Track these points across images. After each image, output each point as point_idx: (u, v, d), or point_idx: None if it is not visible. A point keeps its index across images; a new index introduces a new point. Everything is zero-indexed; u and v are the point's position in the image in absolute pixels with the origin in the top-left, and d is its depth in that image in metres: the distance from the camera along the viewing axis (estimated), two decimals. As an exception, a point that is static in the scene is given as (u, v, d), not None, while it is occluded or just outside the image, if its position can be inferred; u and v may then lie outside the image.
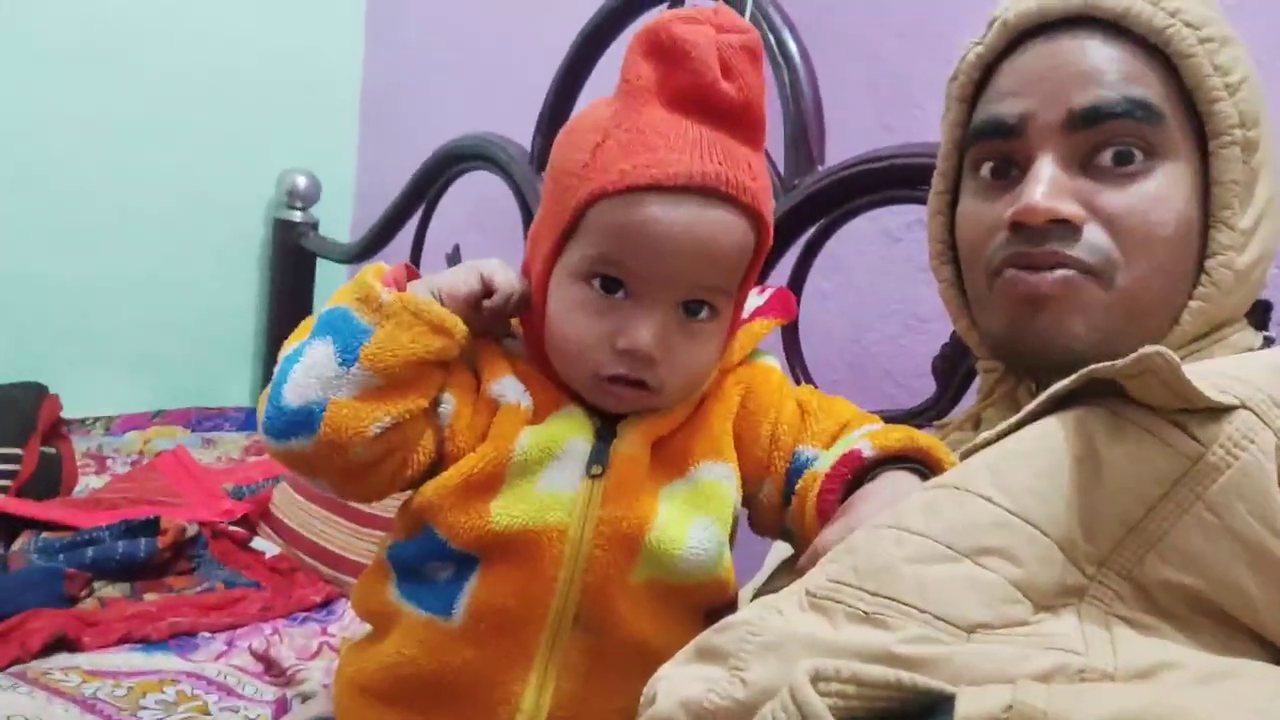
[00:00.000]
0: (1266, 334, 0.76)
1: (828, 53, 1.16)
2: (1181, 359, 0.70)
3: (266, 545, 1.55)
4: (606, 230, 0.66)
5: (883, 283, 1.21)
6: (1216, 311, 0.71)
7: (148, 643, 1.24)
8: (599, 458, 0.68)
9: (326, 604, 1.41)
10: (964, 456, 0.62)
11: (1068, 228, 0.69)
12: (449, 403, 0.69)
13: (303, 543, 1.53)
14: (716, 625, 0.58)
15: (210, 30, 2.13)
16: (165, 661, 1.20)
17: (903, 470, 0.66)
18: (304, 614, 1.37)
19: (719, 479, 0.70)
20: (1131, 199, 0.69)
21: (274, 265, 2.26)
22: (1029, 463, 0.57)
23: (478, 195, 1.73)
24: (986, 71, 0.77)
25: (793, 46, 1.15)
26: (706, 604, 0.71)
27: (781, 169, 1.18)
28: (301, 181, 2.23)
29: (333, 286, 2.39)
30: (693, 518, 0.68)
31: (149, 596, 1.35)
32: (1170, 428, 0.54)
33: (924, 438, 0.68)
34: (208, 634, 1.28)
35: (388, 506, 1.40)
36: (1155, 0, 0.70)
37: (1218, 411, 0.53)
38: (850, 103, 1.17)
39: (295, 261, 2.23)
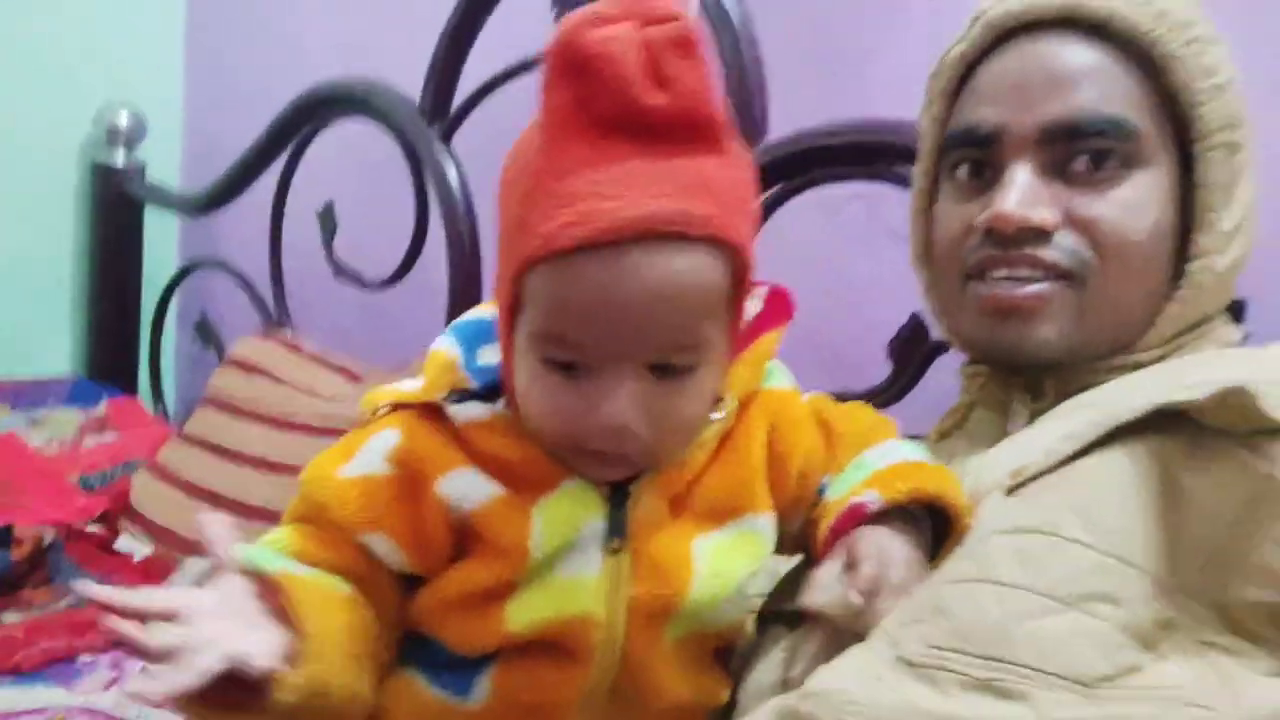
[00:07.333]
0: (1244, 330, 0.79)
1: (769, 17, 1.11)
2: (1161, 356, 0.72)
3: (133, 545, 1.39)
4: (541, 304, 0.56)
5: (822, 258, 1.19)
6: (1193, 313, 0.72)
7: (19, 673, 1.09)
8: (616, 529, 0.61)
9: (217, 607, 1.27)
10: (1014, 488, 0.61)
11: (1041, 233, 0.69)
12: (383, 543, 0.61)
13: (176, 540, 1.38)
14: (798, 692, 0.55)
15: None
16: (48, 695, 1.06)
17: (896, 524, 0.63)
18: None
19: (759, 530, 0.65)
20: (1107, 205, 0.69)
21: (94, 213, 1.99)
22: (1113, 500, 0.57)
23: (352, 145, 1.58)
24: (969, 68, 0.75)
25: (733, 11, 1.09)
26: (723, 643, 0.68)
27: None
28: (124, 118, 1.95)
29: (164, 239, 2.19)
30: (732, 571, 0.64)
31: (9, 616, 1.19)
32: (1245, 451, 0.56)
33: (933, 480, 0.65)
34: (88, 657, 1.14)
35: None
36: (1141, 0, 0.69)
37: None
38: (791, 70, 1.12)
39: (118, 209, 1.98)
